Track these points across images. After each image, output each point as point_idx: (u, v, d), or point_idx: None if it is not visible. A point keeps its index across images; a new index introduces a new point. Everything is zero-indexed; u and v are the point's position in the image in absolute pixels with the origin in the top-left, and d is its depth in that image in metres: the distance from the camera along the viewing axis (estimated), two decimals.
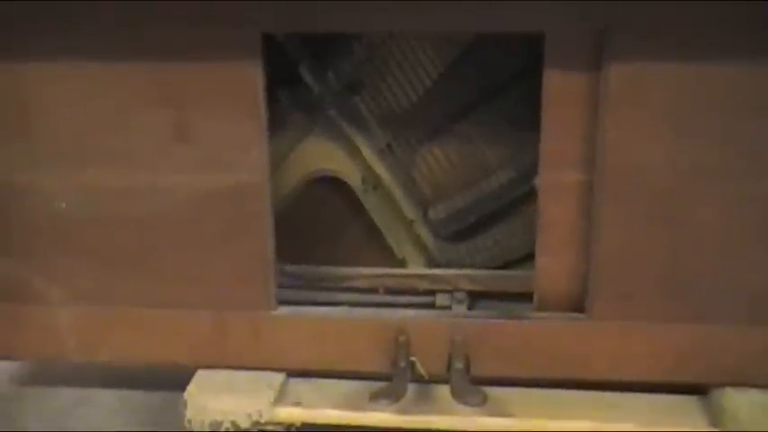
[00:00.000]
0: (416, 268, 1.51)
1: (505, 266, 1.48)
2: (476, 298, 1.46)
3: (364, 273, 1.48)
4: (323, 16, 1.20)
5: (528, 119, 1.27)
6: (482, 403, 1.21)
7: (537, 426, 1.27)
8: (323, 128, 1.45)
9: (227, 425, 1.27)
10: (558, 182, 1.25)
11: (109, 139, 1.27)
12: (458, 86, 1.41)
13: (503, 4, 1.17)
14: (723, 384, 1.28)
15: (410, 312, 1.38)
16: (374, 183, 1.47)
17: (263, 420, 1.27)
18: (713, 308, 1.26)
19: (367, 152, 1.45)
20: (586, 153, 1.22)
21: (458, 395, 1.22)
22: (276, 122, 1.36)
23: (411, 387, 1.27)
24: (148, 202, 1.30)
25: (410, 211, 1.48)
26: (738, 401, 1.25)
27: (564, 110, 1.21)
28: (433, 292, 1.47)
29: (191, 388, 1.31)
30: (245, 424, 1.27)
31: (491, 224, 1.47)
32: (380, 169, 1.46)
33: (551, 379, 1.32)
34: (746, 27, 1.14)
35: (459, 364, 1.26)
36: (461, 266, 1.49)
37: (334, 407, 1.31)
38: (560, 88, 1.20)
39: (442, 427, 1.28)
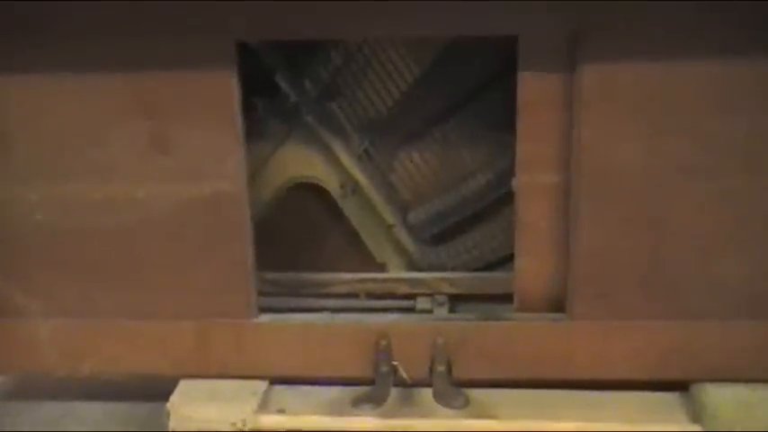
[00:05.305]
0: (397, 272, 1.50)
1: (486, 269, 1.48)
2: (456, 301, 1.47)
3: (345, 278, 1.48)
4: (297, 23, 1.20)
5: (505, 121, 1.27)
6: (465, 406, 1.22)
7: (520, 427, 1.27)
8: (300, 135, 1.45)
9: None
10: (534, 183, 1.25)
11: (87, 151, 1.27)
12: (434, 90, 1.41)
13: (476, 7, 1.18)
14: (705, 381, 1.29)
15: (391, 317, 1.37)
16: (353, 188, 1.47)
17: (246, 428, 1.27)
18: (693, 305, 1.27)
19: (345, 158, 1.45)
20: (562, 154, 1.23)
21: (440, 398, 1.23)
22: (253, 131, 1.36)
23: (394, 391, 1.28)
24: (128, 213, 1.29)
25: (389, 216, 1.48)
26: (718, 397, 1.25)
27: (539, 112, 1.21)
28: (413, 296, 1.47)
29: (174, 398, 1.31)
30: None
31: (470, 227, 1.48)
32: (359, 174, 1.45)
33: (534, 380, 1.33)
34: (718, 27, 1.15)
35: (441, 367, 1.27)
36: (442, 270, 1.49)
37: (318, 413, 1.31)
38: (535, 91, 1.20)
39: (425, 430, 1.28)
